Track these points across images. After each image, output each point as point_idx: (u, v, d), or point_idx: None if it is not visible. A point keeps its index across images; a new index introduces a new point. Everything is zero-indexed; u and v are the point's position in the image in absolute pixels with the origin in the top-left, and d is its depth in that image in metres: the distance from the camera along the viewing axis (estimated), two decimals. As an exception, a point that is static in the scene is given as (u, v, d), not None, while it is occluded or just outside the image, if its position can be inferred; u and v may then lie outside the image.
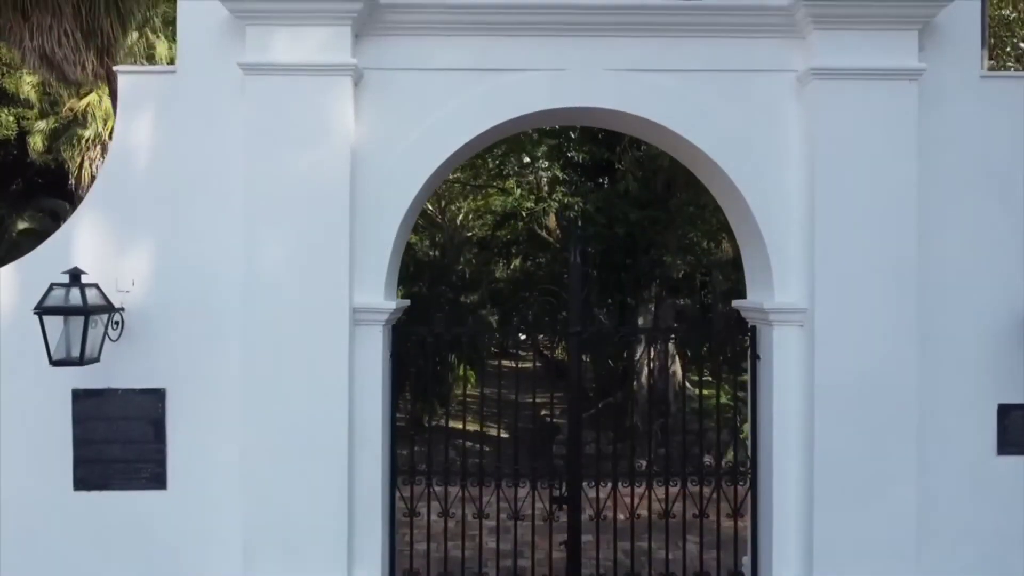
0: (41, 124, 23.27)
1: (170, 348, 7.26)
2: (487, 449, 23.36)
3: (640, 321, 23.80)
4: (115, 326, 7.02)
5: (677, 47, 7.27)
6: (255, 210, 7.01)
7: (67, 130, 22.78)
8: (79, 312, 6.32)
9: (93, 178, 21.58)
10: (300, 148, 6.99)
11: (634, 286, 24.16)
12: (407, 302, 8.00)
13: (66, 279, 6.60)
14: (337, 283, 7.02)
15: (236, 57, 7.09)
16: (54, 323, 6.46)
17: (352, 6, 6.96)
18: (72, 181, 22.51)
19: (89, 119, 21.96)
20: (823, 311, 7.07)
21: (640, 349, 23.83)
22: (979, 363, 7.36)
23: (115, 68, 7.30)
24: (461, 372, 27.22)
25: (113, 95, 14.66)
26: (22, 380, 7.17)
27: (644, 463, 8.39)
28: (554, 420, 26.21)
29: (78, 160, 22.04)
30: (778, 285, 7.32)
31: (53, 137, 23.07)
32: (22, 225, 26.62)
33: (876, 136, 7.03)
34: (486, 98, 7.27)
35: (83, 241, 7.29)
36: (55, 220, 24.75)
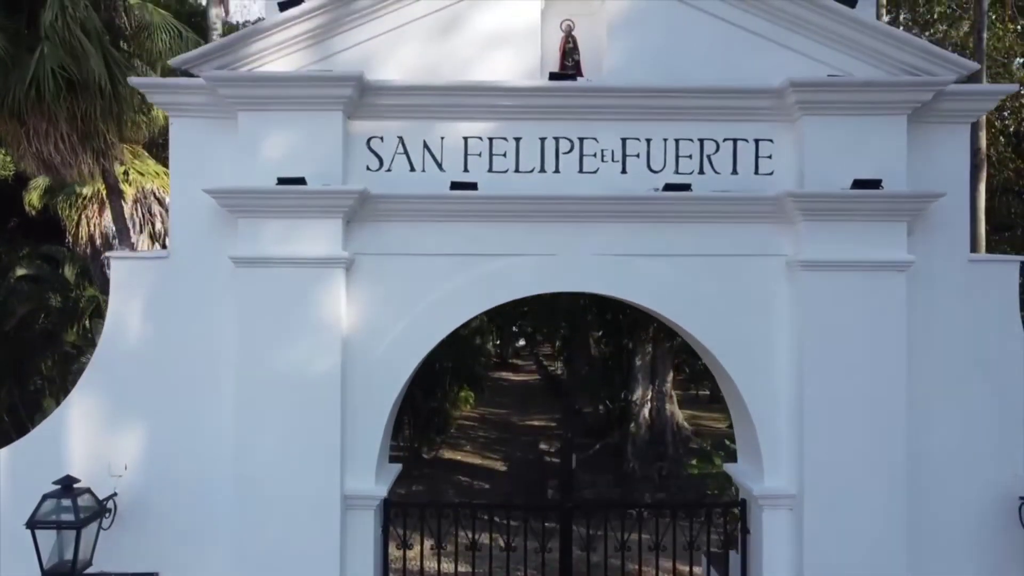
0: (39, 180, 23.27)
1: (163, 531, 7.30)
2: (485, 487, 23.48)
3: (638, 362, 23.79)
4: (107, 514, 7.05)
5: (667, 233, 7.29)
6: (246, 399, 7.05)
7: (65, 186, 22.77)
8: (72, 526, 6.35)
9: (91, 236, 21.61)
10: (292, 339, 7.02)
11: (631, 327, 24.15)
12: (398, 466, 8.05)
13: (58, 488, 6.63)
14: (328, 471, 7.07)
15: (228, 244, 7.13)
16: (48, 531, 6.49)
17: (343, 201, 6.99)
18: (69, 238, 22.52)
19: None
20: (812, 498, 7.10)
21: (638, 391, 23.89)
22: (969, 545, 7.39)
23: (108, 255, 7.40)
24: (460, 394, 27.20)
25: (109, 188, 14.71)
26: (20, 563, 7.18)
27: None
28: (551, 456, 26.27)
29: (75, 218, 22.04)
30: (768, 467, 7.35)
31: (50, 194, 23.06)
32: (20, 271, 26.63)
33: (865, 325, 7.06)
34: (476, 284, 7.30)
35: (76, 424, 7.33)
36: (55, 268, 24.75)
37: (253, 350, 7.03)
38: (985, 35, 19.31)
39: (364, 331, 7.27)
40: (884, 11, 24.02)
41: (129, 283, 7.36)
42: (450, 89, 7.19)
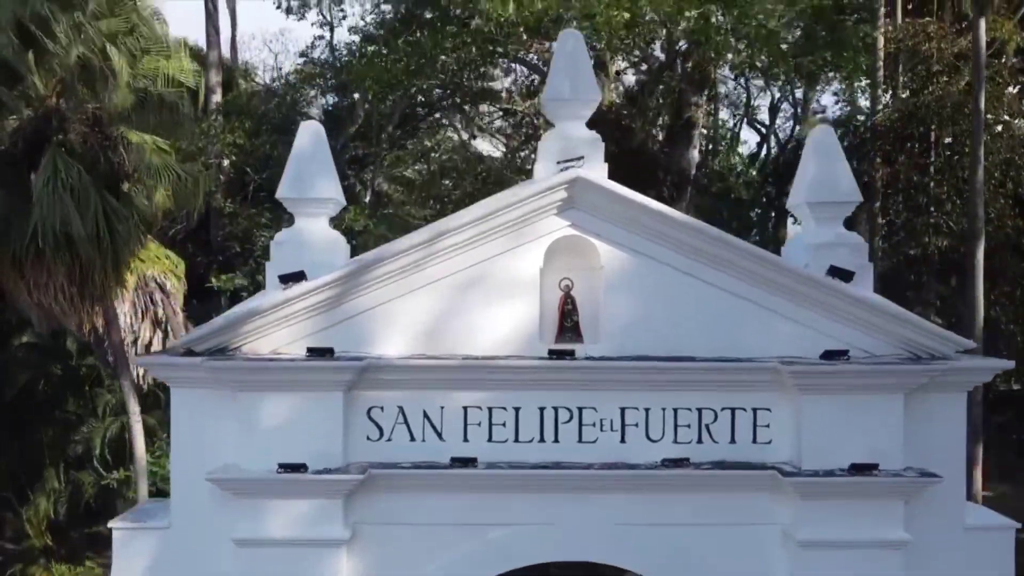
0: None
1: None
2: None
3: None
4: None
5: (666, 503, 7.33)
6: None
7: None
8: None
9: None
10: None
11: None
12: None
13: None
14: None
15: (229, 521, 7.14)
16: None
17: (344, 486, 7.05)
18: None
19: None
20: None
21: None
22: None
23: (110, 524, 7.41)
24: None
25: (107, 324, 14.66)
26: None
27: None
28: None
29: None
30: None
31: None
32: (22, 339, 26.56)
33: (862, 602, 7.13)
34: (475, 553, 7.34)
35: None
36: (56, 337, 24.72)
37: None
38: (983, 95, 19.29)
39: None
40: (882, 70, 23.94)
41: (130, 551, 7.40)
42: (450, 367, 7.21)
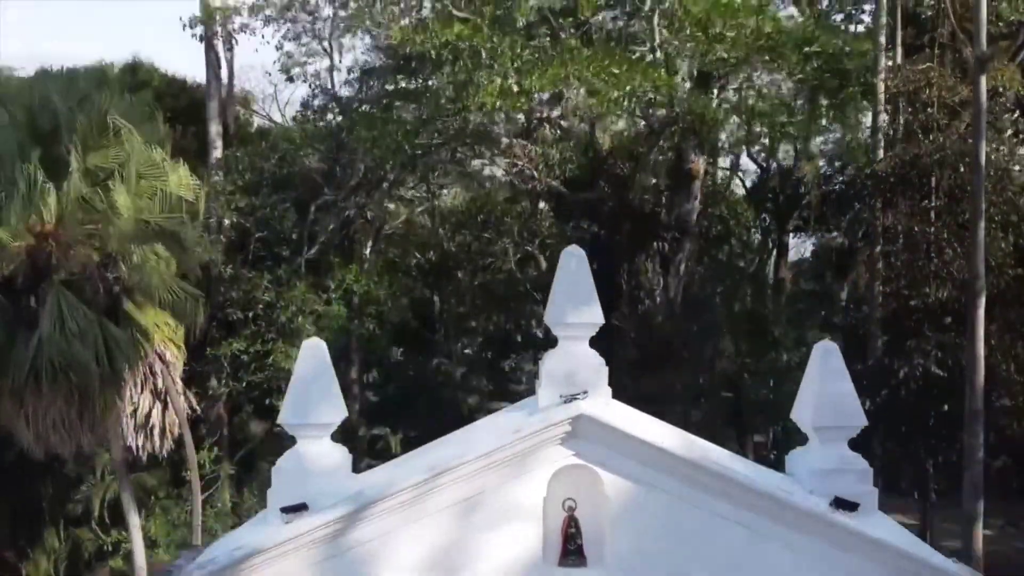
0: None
1: None
2: None
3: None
4: None
5: None
6: None
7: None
8: None
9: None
10: None
11: None
12: None
13: None
14: None
15: None
16: None
17: None
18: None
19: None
20: None
21: None
22: None
23: None
24: None
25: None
26: None
27: None
28: None
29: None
30: None
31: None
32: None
33: None
34: None
35: None
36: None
37: None
38: (984, 150, 19.21)
39: None
40: (884, 110, 23.79)
41: None
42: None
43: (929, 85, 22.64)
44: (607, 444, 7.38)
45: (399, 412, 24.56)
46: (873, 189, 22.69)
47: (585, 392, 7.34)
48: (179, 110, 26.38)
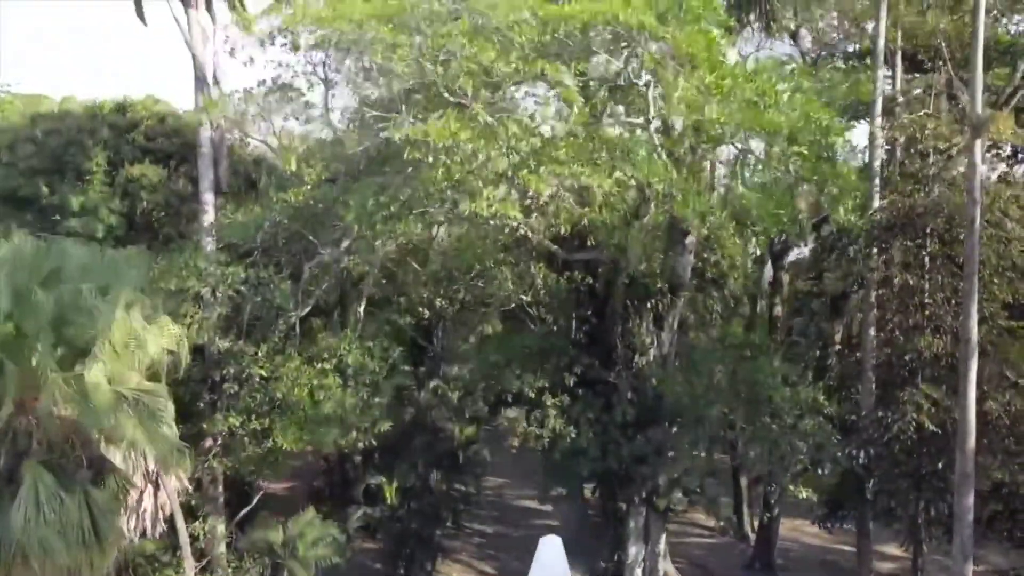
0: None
1: None
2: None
3: (631, 524, 24.12)
4: None
5: None
6: None
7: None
8: None
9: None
10: None
11: (628, 506, 24.23)
12: None
13: None
14: None
15: None
16: None
17: None
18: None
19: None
20: None
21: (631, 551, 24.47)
22: None
23: None
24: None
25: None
26: None
27: None
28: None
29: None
30: None
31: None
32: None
33: None
34: None
35: None
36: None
37: None
38: (979, 212, 19.16)
39: None
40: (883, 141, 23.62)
41: None
42: None
43: (925, 137, 22.48)
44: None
45: (393, 460, 24.60)
46: (867, 239, 22.62)
47: None
48: (172, 152, 26.19)
